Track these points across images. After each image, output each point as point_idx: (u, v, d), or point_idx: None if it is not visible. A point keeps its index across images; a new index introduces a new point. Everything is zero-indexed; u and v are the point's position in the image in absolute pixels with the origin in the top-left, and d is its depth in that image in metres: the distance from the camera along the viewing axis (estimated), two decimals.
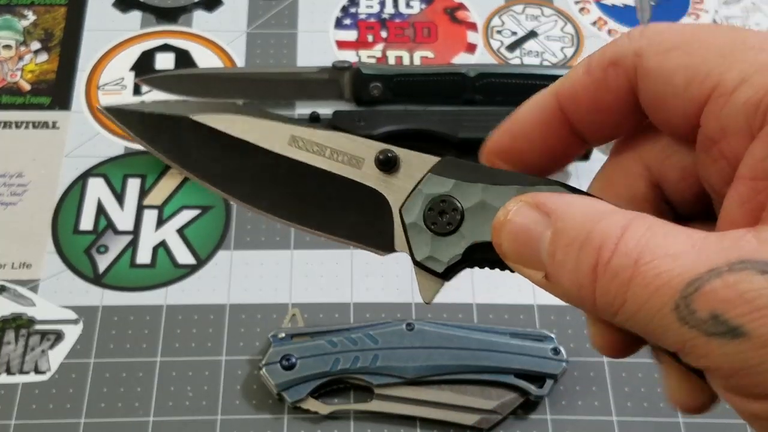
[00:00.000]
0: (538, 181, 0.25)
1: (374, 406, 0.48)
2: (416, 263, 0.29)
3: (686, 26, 0.23)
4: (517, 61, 0.64)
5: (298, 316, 0.51)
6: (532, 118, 0.25)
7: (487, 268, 0.27)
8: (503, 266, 0.26)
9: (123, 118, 0.32)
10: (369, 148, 0.30)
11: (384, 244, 0.30)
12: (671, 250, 0.20)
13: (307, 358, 0.48)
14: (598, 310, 0.21)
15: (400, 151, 0.29)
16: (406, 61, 0.63)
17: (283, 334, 0.49)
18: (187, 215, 0.56)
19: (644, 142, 0.25)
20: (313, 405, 0.48)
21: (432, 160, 0.29)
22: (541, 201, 0.23)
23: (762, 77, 0.21)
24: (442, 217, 0.28)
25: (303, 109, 0.60)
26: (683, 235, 0.20)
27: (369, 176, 0.30)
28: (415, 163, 0.29)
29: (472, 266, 0.28)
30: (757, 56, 0.21)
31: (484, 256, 0.27)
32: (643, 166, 0.25)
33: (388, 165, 0.29)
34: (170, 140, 0.32)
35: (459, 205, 0.28)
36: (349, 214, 0.30)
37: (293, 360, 0.48)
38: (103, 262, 0.54)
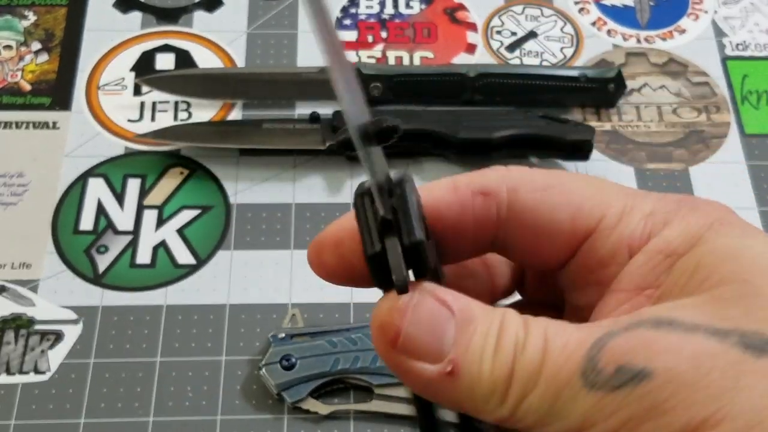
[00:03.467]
0: None
1: (374, 406, 0.48)
2: None
3: (551, 171, 0.25)
4: (516, 62, 0.64)
5: (298, 317, 0.51)
6: None
7: None
8: None
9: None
10: None
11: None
12: (571, 329, 0.21)
13: (306, 358, 0.48)
14: (509, 397, 0.21)
15: None
16: (406, 62, 0.63)
17: (283, 335, 0.49)
18: (187, 215, 0.56)
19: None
20: (313, 405, 0.48)
21: None
22: (440, 293, 0.22)
23: (638, 214, 0.23)
24: None
25: (303, 109, 0.60)
26: (574, 324, 0.21)
27: None
28: None
29: None
30: (626, 199, 0.24)
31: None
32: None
33: None
34: None
35: None
36: None
37: (293, 360, 0.48)
38: (103, 262, 0.54)
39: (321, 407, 0.48)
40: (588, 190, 0.24)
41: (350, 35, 0.65)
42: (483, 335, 0.21)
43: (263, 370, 0.48)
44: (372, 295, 0.57)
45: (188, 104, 0.61)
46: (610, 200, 0.24)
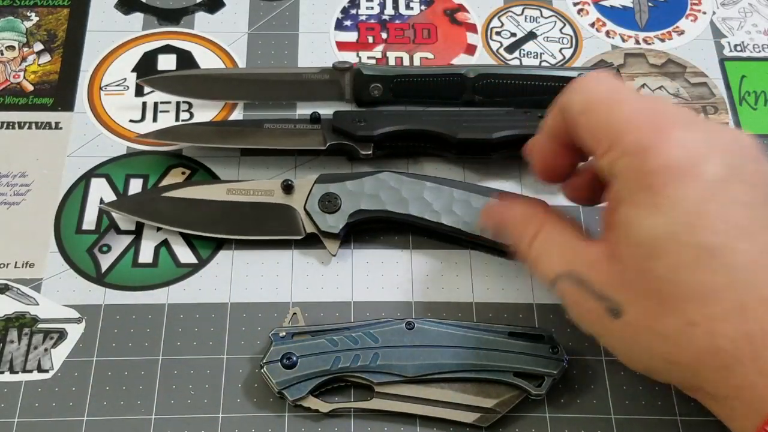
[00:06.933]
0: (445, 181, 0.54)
1: (374, 404, 0.48)
2: (321, 233, 0.52)
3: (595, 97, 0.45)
4: (516, 62, 0.64)
5: (299, 315, 0.51)
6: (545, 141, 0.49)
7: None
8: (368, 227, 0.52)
9: (118, 205, 0.55)
10: (275, 183, 0.53)
11: (298, 232, 0.53)
12: (553, 259, 0.44)
13: (307, 356, 0.48)
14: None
15: (294, 180, 0.53)
16: (406, 62, 0.64)
17: (284, 333, 0.49)
18: None
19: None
20: (313, 403, 0.48)
21: (312, 178, 0.53)
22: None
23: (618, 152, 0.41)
24: (330, 203, 0.52)
25: (304, 110, 0.61)
26: (565, 246, 0.44)
27: (279, 198, 0.53)
28: (303, 183, 0.53)
29: (353, 228, 0.52)
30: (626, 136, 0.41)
31: (358, 219, 0.51)
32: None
33: (288, 189, 0.53)
34: (151, 209, 0.54)
35: (337, 194, 0.52)
36: (271, 222, 0.53)
37: (294, 358, 0.48)
38: (105, 261, 0.54)
39: (321, 405, 0.48)
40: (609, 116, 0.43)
41: (351, 36, 0.65)
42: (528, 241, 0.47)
43: (264, 368, 0.48)
44: (371, 294, 0.57)
45: (190, 105, 0.61)
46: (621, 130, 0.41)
